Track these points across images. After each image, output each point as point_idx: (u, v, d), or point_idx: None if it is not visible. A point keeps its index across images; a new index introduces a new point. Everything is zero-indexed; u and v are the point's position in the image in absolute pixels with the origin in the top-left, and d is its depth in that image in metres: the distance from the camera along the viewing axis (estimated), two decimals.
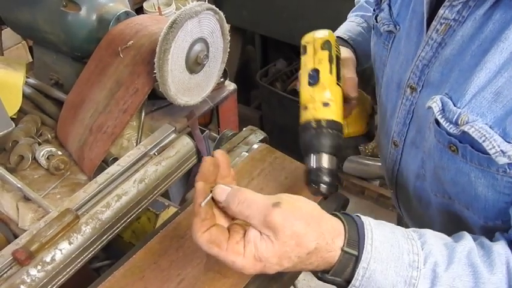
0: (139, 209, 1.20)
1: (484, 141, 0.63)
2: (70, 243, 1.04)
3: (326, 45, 0.89)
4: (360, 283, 0.61)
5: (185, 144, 1.30)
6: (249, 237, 0.61)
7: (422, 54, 0.77)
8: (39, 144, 1.37)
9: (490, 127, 0.62)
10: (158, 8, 2.33)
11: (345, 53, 1.00)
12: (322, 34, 0.92)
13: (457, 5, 0.68)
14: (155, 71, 1.24)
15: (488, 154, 0.63)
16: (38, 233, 1.01)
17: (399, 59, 0.86)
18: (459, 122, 0.65)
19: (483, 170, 0.67)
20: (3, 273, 0.97)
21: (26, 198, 1.19)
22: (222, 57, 1.43)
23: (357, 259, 0.61)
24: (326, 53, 0.88)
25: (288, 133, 2.79)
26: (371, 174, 2.66)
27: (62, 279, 1.04)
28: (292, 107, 2.61)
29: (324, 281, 0.64)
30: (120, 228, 1.16)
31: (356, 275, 0.61)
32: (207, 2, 2.10)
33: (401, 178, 0.95)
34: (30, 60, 1.96)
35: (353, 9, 1.19)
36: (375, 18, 0.92)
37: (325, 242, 0.61)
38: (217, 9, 1.30)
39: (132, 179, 1.19)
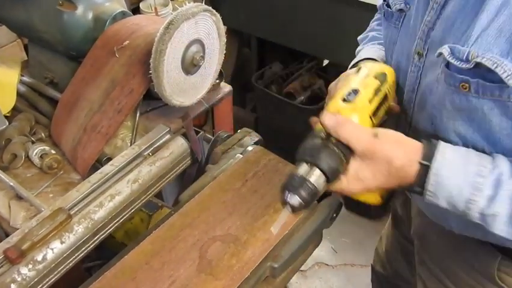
0: (132, 209, 1.19)
1: (496, 67, 0.69)
2: (61, 243, 1.04)
3: (381, 76, 0.87)
4: (433, 188, 0.75)
5: (179, 145, 1.30)
6: (349, 170, 0.78)
7: (427, 19, 0.84)
8: (33, 142, 1.36)
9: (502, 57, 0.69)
10: (155, 8, 2.33)
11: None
12: (383, 66, 0.92)
13: None
14: (150, 72, 1.24)
15: (499, 83, 0.70)
16: (29, 232, 1.01)
17: (408, 34, 0.92)
18: (469, 58, 0.72)
19: (495, 100, 0.73)
20: None
21: (19, 197, 1.19)
22: (218, 59, 1.43)
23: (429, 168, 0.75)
24: (376, 82, 0.86)
25: (283, 136, 2.79)
26: None
27: (54, 279, 1.03)
28: (287, 110, 2.61)
29: (414, 192, 0.79)
30: (113, 228, 1.15)
31: (427, 180, 0.75)
32: (203, 3, 2.11)
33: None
34: (25, 58, 1.95)
35: (364, 41, 1.23)
36: (387, 4, 0.98)
37: (408, 159, 0.76)
38: (214, 11, 1.30)
39: (126, 179, 1.18)
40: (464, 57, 0.72)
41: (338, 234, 2.52)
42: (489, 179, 0.72)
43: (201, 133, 1.52)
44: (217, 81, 1.53)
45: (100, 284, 0.90)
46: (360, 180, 0.78)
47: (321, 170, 0.76)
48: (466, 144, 0.82)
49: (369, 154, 0.76)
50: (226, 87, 1.60)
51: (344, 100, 0.82)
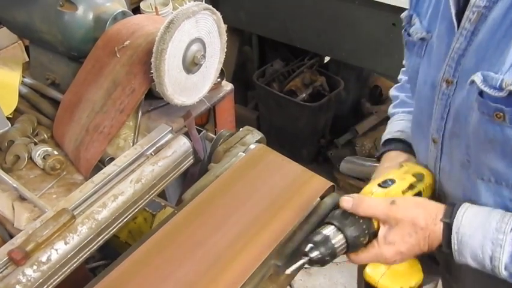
0: (136, 209, 1.19)
1: None
2: (65, 243, 1.04)
3: (419, 176, 0.94)
4: (457, 246, 0.78)
5: (182, 144, 1.30)
6: (379, 236, 0.84)
7: (456, 45, 0.81)
8: (36, 144, 1.36)
9: None
10: (155, 8, 2.32)
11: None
12: (423, 169, 0.97)
13: None
14: (152, 71, 1.24)
15: None
16: (33, 233, 1.01)
17: (431, 62, 0.90)
18: (503, 86, 0.70)
19: None
20: None
21: (22, 198, 1.19)
22: (219, 58, 1.43)
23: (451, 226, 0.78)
24: (412, 179, 0.93)
25: (285, 133, 2.79)
26: (367, 174, 2.66)
27: (58, 279, 1.03)
28: (289, 107, 2.61)
29: (445, 252, 0.82)
30: (116, 228, 1.15)
31: (452, 239, 0.78)
32: (204, 2, 2.10)
33: (443, 174, 0.96)
34: (27, 59, 1.95)
35: (393, 103, 1.22)
36: (408, 34, 0.98)
37: (431, 218, 0.81)
38: (214, 10, 1.30)
39: (128, 179, 1.18)
40: (498, 85, 0.71)
41: None
42: (510, 235, 0.73)
43: (203, 132, 1.52)
44: (219, 79, 1.53)
45: (105, 283, 0.90)
46: (390, 244, 0.84)
47: (344, 236, 0.84)
48: (498, 181, 0.81)
49: (393, 221, 0.83)
50: (227, 86, 1.60)
51: (380, 186, 0.91)
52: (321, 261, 0.84)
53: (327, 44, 2.31)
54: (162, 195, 1.80)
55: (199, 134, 1.47)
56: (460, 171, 0.90)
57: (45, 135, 1.41)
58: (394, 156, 1.08)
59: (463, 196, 0.90)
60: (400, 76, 1.24)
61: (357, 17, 2.10)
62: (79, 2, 1.38)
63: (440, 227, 0.80)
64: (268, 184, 1.09)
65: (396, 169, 0.97)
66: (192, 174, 1.47)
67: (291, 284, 2.29)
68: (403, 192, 0.90)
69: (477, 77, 0.74)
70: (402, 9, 1.91)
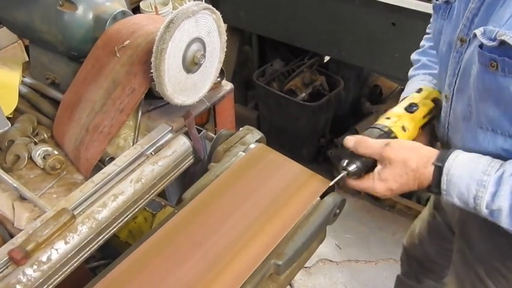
0: (136, 208, 1.19)
1: None
2: (66, 243, 1.04)
3: (437, 101, 1.08)
4: (446, 186, 0.86)
5: (182, 144, 1.30)
6: (374, 172, 0.95)
7: (471, 6, 0.88)
8: (36, 143, 1.36)
9: None
10: (155, 7, 2.32)
11: None
12: (438, 93, 1.10)
13: None
14: (152, 71, 1.24)
15: None
16: (34, 233, 1.01)
17: (451, 23, 0.96)
18: (497, 37, 0.76)
19: None
20: None
21: (22, 198, 1.19)
22: (219, 57, 1.43)
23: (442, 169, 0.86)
24: (432, 105, 1.08)
25: (285, 133, 2.79)
26: None
27: (58, 279, 1.03)
28: (289, 107, 2.61)
29: (432, 193, 0.91)
30: (116, 228, 1.16)
31: (441, 180, 0.86)
32: (204, 1, 2.10)
33: (451, 129, 1.03)
34: (27, 59, 1.95)
35: (414, 66, 1.28)
36: None
37: (422, 162, 0.88)
38: (214, 9, 1.30)
39: (129, 179, 1.18)
40: (493, 36, 0.77)
41: (341, 230, 2.53)
42: (493, 177, 0.80)
43: (203, 131, 1.52)
44: (219, 79, 1.53)
45: (105, 283, 0.90)
46: (382, 180, 0.93)
47: (357, 166, 0.98)
48: (494, 129, 0.86)
49: (387, 160, 0.92)
50: (227, 85, 1.60)
51: (405, 109, 1.05)
52: (356, 174, 0.97)
53: (327, 43, 2.31)
54: (162, 194, 1.80)
55: (199, 133, 1.47)
56: (462, 123, 0.95)
57: (45, 135, 1.41)
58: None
59: (463, 147, 0.95)
60: (423, 42, 1.29)
61: (357, 17, 2.10)
62: (79, 1, 1.38)
63: (430, 169, 0.88)
64: (269, 183, 1.09)
65: (417, 92, 1.10)
66: (192, 173, 1.47)
67: (291, 284, 2.29)
68: (423, 117, 1.04)
69: (478, 31, 0.80)
70: (402, 9, 1.93)
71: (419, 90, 1.12)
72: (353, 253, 2.45)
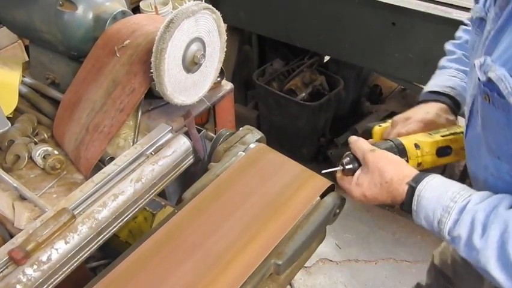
0: (136, 208, 1.19)
1: (500, 83, 0.72)
2: (66, 243, 1.04)
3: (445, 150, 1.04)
4: (416, 207, 0.86)
5: (182, 143, 1.30)
6: (355, 174, 0.97)
7: (487, 28, 0.85)
8: (36, 143, 1.36)
9: (510, 75, 0.72)
10: (155, 7, 2.32)
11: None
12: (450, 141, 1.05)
13: None
14: (152, 71, 1.24)
15: (505, 98, 0.73)
16: (34, 233, 1.01)
17: (480, 42, 0.93)
18: (488, 71, 0.75)
19: (506, 116, 0.76)
20: None
21: (22, 198, 1.19)
22: (219, 57, 1.43)
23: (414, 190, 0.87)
24: (457, 130, 1.05)
25: (285, 132, 2.79)
26: None
27: (59, 279, 1.03)
28: (289, 106, 2.61)
29: (404, 211, 0.90)
30: (117, 227, 1.16)
31: (413, 201, 0.86)
32: (203, 1, 2.10)
33: (468, 149, 1.00)
34: (27, 59, 1.95)
35: (448, 57, 1.21)
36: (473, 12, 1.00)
37: (397, 178, 0.89)
38: (214, 9, 1.30)
39: (129, 179, 1.18)
40: (486, 70, 0.75)
41: (341, 230, 2.53)
42: (458, 205, 0.81)
43: (203, 131, 1.52)
44: (219, 79, 1.53)
45: (105, 283, 0.90)
46: (358, 185, 0.95)
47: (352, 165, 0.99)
48: (496, 154, 0.84)
49: (366, 164, 0.94)
50: (227, 85, 1.60)
51: (438, 153, 1.02)
52: (350, 171, 0.98)
53: (326, 43, 2.31)
54: (162, 194, 1.80)
55: (199, 133, 1.47)
56: (474, 144, 0.94)
57: (45, 135, 1.41)
58: (439, 109, 1.10)
59: (474, 169, 0.95)
60: (460, 33, 1.23)
61: (357, 16, 2.10)
62: (79, 1, 1.38)
63: (404, 188, 0.88)
64: (269, 183, 1.09)
65: (427, 135, 1.04)
66: (192, 173, 1.47)
67: (291, 283, 2.29)
68: (443, 137, 1.02)
69: (477, 61, 0.78)
70: (402, 9, 1.93)
71: (428, 135, 1.05)
72: (353, 253, 2.45)
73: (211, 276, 0.90)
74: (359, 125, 2.68)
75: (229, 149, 1.20)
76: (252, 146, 1.21)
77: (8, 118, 1.35)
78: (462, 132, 1.01)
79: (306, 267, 2.37)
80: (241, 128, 1.27)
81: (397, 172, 0.90)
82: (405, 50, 2.04)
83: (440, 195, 0.84)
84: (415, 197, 0.86)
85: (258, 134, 1.25)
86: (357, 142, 0.98)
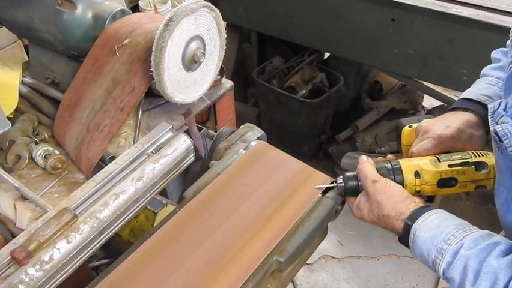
0: (137, 207, 1.19)
1: (505, 139, 0.72)
2: (68, 242, 1.04)
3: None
4: (412, 244, 0.87)
5: (182, 142, 1.30)
6: (358, 196, 0.99)
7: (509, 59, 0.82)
8: (36, 143, 1.36)
9: None
10: (154, 6, 2.32)
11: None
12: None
13: None
14: (151, 69, 1.23)
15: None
16: (36, 233, 1.01)
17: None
18: (498, 122, 0.75)
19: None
20: (2, 273, 0.97)
21: (24, 198, 1.19)
22: (219, 55, 1.43)
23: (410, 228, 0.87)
24: (471, 157, 0.96)
25: (285, 130, 2.79)
26: None
27: (61, 278, 1.04)
28: (289, 104, 2.61)
29: (402, 244, 0.92)
30: (118, 226, 1.16)
31: (409, 237, 0.87)
32: None
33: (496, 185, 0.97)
34: (26, 59, 1.95)
35: (492, 65, 1.10)
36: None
37: (394, 214, 0.90)
38: (213, 7, 1.30)
39: (130, 178, 1.18)
40: (497, 120, 0.75)
41: (343, 226, 2.53)
42: (451, 248, 0.81)
43: (203, 129, 1.52)
44: (218, 77, 1.53)
45: (106, 283, 0.90)
46: (358, 209, 0.98)
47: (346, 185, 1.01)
48: (506, 198, 0.83)
49: (367, 193, 0.95)
50: (227, 83, 1.60)
51: (463, 163, 0.96)
52: (343, 193, 1.02)
53: (326, 40, 2.30)
54: (163, 193, 1.80)
55: (199, 131, 1.47)
56: (501, 178, 0.89)
57: (46, 135, 1.41)
58: (465, 123, 1.00)
59: (500, 211, 0.90)
60: None
61: (356, 13, 2.10)
62: (78, 0, 1.38)
63: (401, 224, 0.89)
64: (270, 181, 1.09)
65: (432, 162, 0.96)
66: (193, 171, 1.47)
67: (294, 280, 2.29)
68: (450, 167, 0.94)
69: (491, 106, 0.78)
70: (401, 4, 1.92)
71: (455, 153, 0.98)
72: (355, 249, 2.45)
73: (213, 274, 0.90)
74: (359, 122, 2.68)
75: (230, 147, 1.20)
76: (253, 143, 1.21)
77: (9, 118, 1.35)
78: (476, 163, 0.95)
79: (308, 264, 2.37)
80: (241, 126, 1.27)
81: (394, 208, 0.91)
82: (405, 45, 2.04)
83: (434, 236, 0.84)
84: (411, 236, 0.87)
85: (258, 132, 1.24)
86: (363, 165, 0.98)
